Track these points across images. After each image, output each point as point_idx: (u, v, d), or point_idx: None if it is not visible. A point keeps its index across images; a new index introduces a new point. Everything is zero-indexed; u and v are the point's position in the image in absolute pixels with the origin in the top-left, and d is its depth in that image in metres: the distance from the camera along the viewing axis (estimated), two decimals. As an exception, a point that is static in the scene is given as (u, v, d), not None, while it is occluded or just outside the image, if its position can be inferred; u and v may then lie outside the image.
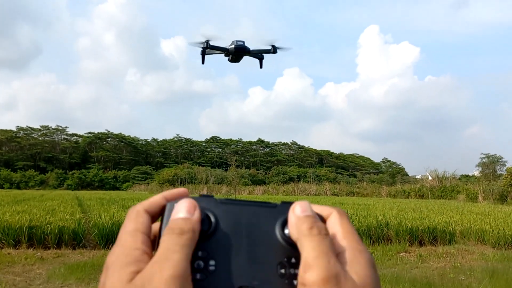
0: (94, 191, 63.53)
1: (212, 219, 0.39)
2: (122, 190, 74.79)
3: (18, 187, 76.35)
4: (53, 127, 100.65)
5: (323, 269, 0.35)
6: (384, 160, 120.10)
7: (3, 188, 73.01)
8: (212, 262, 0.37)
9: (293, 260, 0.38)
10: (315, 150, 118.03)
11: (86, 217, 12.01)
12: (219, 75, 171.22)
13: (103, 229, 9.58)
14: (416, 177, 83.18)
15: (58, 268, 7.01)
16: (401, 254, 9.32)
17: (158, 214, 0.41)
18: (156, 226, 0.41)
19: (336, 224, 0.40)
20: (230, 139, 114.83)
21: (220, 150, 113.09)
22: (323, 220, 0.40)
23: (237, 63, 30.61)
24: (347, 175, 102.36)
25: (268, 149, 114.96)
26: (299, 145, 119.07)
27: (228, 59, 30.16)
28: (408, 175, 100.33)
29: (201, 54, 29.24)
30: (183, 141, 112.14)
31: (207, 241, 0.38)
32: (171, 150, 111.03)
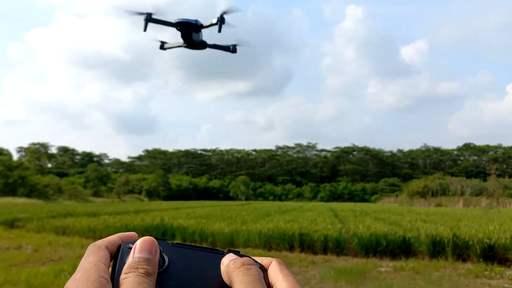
0: (344, 202, 66.54)
1: (166, 259, 0.42)
2: (371, 202, 75.60)
3: (280, 199, 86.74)
4: (305, 144, 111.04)
5: None
6: None
7: (268, 199, 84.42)
8: None
9: None
10: None
11: (345, 227, 12.97)
12: (469, 73, 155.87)
13: (362, 239, 10.22)
14: None
15: (328, 271, 7.92)
16: None
17: (114, 252, 0.43)
18: None
19: (276, 270, 0.44)
20: (487, 145, 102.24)
21: (475, 158, 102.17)
22: (264, 269, 0.44)
23: None
24: None
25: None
26: None
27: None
28: None
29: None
30: (431, 150, 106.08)
31: (159, 279, 0.41)
32: (419, 160, 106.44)
